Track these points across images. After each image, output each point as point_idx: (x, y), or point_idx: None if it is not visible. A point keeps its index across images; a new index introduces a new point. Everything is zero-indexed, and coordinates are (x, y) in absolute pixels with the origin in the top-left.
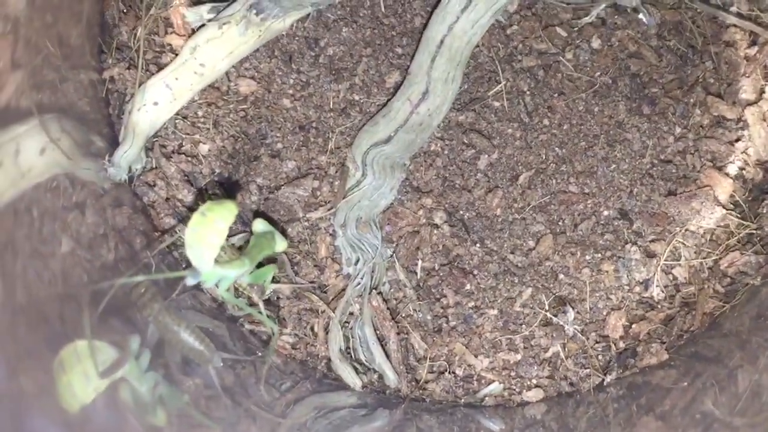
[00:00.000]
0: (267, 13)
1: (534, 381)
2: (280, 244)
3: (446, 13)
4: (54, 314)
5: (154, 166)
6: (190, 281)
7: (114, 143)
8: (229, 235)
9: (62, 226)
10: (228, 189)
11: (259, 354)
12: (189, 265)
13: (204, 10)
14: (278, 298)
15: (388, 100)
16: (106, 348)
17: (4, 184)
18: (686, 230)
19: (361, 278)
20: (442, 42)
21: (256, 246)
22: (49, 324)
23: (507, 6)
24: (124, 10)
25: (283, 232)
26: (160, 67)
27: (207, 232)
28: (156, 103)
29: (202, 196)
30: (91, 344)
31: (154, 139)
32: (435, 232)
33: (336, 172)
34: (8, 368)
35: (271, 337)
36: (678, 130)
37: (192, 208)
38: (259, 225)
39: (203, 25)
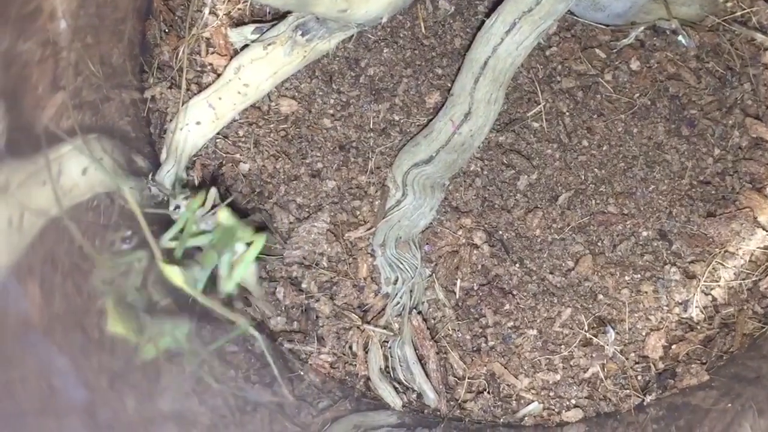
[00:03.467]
0: (313, 34)
1: (573, 401)
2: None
3: (490, 35)
4: (91, 324)
5: (195, 185)
6: None
7: (155, 162)
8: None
9: (102, 242)
10: (268, 208)
11: (301, 372)
12: None
13: (248, 31)
14: (317, 317)
15: (429, 120)
16: None
17: (47, 203)
18: (726, 251)
19: (401, 298)
20: (485, 63)
21: (220, 240)
22: (85, 332)
23: (549, 28)
24: (166, 30)
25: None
26: (201, 87)
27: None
28: (198, 122)
29: (241, 215)
30: None
31: (195, 158)
32: (474, 252)
33: (376, 191)
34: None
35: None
36: (717, 151)
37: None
38: (224, 217)
39: (246, 46)
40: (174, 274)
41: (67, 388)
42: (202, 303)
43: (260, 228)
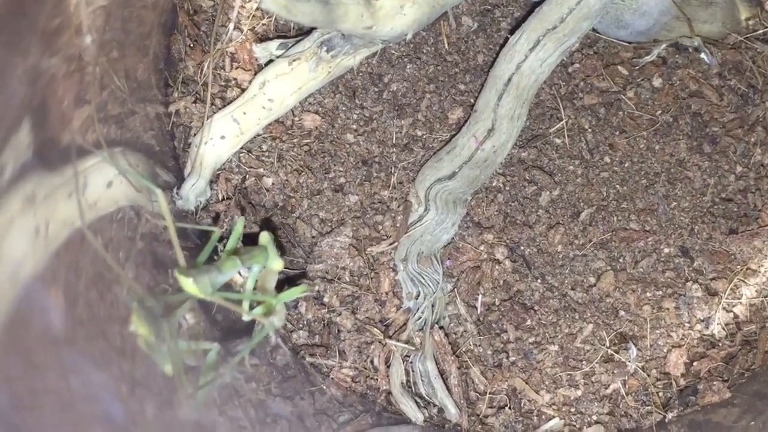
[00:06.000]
0: (338, 50)
1: (594, 417)
2: (275, 262)
3: (514, 52)
4: (114, 332)
5: (218, 198)
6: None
7: (179, 176)
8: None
9: (126, 254)
10: (290, 223)
11: (322, 386)
12: None
13: (273, 46)
14: (339, 331)
15: (452, 136)
16: None
17: (72, 215)
18: (748, 269)
19: (422, 312)
20: (509, 80)
21: (249, 253)
22: (107, 340)
23: (572, 45)
24: (191, 45)
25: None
26: (226, 101)
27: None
28: (223, 137)
29: (264, 229)
30: None
31: (219, 172)
32: (496, 267)
33: (398, 206)
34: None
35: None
36: (739, 168)
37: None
38: (264, 238)
39: (271, 61)
40: (188, 284)
41: (104, 405)
42: (221, 304)
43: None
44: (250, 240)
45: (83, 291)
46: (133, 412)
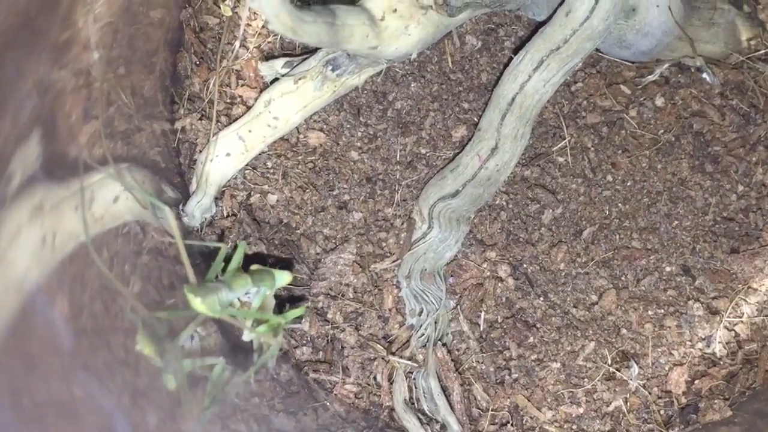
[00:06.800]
0: (343, 69)
1: None
2: (284, 277)
3: (518, 72)
4: (117, 343)
5: (223, 215)
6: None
7: (184, 192)
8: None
9: (132, 268)
10: (294, 240)
11: (326, 402)
12: None
13: (278, 65)
14: (342, 347)
15: (455, 154)
16: None
17: (79, 227)
18: (749, 287)
19: (425, 329)
20: (513, 100)
21: (257, 274)
22: (111, 351)
23: (576, 65)
24: (197, 62)
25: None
26: (231, 119)
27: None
28: (228, 154)
29: (269, 246)
30: None
31: (224, 189)
32: (499, 284)
33: (402, 224)
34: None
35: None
36: (740, 188)
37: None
38: (254, 267)
39: (276, 79)
40: (196, 303)
41: (108, 416)
42: (228, 321)
43: (286, 261)
44: (247, 260)
45: (88, 302)
46: (135, 423)
